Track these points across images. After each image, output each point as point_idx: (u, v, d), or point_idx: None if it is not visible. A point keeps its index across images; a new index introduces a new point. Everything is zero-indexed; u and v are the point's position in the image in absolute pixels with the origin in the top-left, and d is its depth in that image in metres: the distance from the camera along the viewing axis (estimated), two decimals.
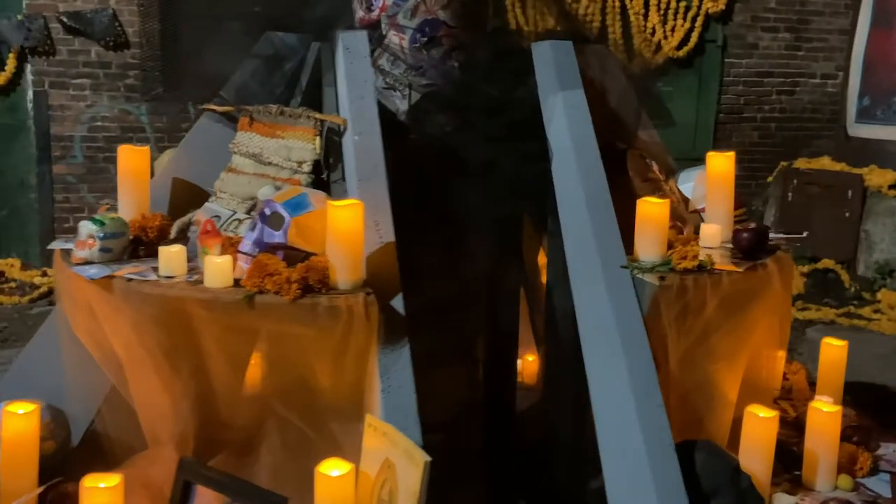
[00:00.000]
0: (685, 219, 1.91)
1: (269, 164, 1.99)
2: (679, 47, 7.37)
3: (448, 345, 2.08)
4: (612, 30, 7.17)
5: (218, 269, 1.69)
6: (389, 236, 1.57)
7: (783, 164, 7.55)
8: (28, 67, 6.25)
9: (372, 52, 1.99)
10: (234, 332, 1.67)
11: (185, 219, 2.09)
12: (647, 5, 7.18)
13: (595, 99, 1.98)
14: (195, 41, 6.33)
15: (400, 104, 1.98)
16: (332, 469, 1.53)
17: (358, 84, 1.73)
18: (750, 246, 1.81)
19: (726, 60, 7.59)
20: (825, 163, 7.29)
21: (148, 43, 6.42)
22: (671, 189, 1.95)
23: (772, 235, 1.97)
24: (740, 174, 7.65)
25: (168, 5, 6.43)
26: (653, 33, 7.28)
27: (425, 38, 1.95)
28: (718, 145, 7.71)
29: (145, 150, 2.26)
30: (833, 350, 2.19)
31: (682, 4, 7.26)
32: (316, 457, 1.58)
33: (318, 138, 1.84)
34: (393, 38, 1.96)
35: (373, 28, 2.01)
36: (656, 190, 1.88)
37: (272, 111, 1.99)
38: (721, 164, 1.92)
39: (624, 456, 1.55)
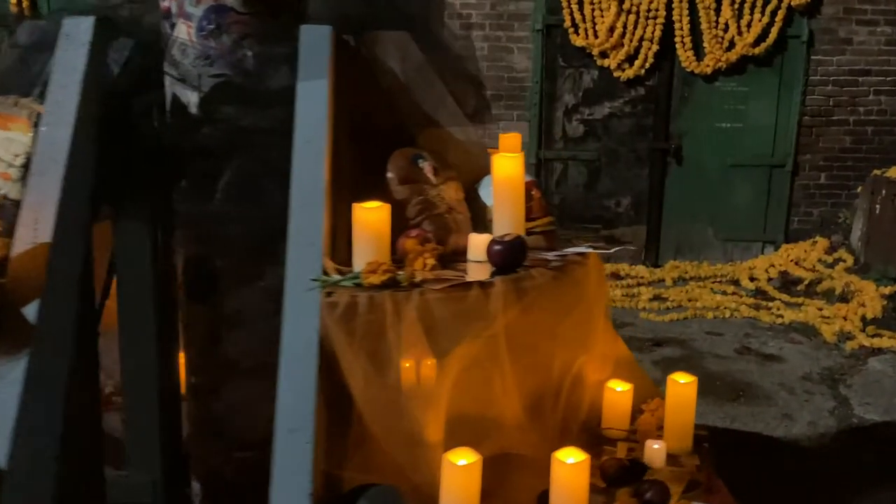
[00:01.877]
0: (453, 229, 1.65)
1: None
2: (756, 44, 6.78)
3: None
4: (678, 25, 6.69)
5: None
6: (45, 237, 1.45)
7: (876, 172, 6.77)
8: None
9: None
10: None
11: None
12: None
13: (394, 91, 1.78)
14: None
15: (191, 96, 1.86)
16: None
17: (66, 72, 1.62)
18: (502, 259, 1.54)
19: (812, 58, 6.90)
20: None
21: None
22: (450, 193, 1.70)
23: (569, 250, 1.68)
24: (827, 183, 7.03)
25: None
26: (725, 29, 6.73)
27: (212, 26, 1.82)
28: (802, 150, 7.05)
29: None
30: (679, 388, 1.86)
31: None
32: None
33: (34, 130, 1.74)
34: (181, 26, 1.85)
35: (167, 16, 1.90)
36: (417, 194, 1.64)
37: (8, 102, 1.91)
38: (507, 165, 1.66)
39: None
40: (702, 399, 4.38)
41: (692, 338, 5.47)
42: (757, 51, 6.78)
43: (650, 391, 2.04)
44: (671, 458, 1.81)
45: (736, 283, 6.71)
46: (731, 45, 6.78)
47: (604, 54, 6.75)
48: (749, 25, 6.76)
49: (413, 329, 1.35)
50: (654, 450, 1.80)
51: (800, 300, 6.20)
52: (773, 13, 6.74)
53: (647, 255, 7.18)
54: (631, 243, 7.14)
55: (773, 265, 6.89)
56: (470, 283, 1.41)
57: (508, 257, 1.53)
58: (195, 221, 1.90)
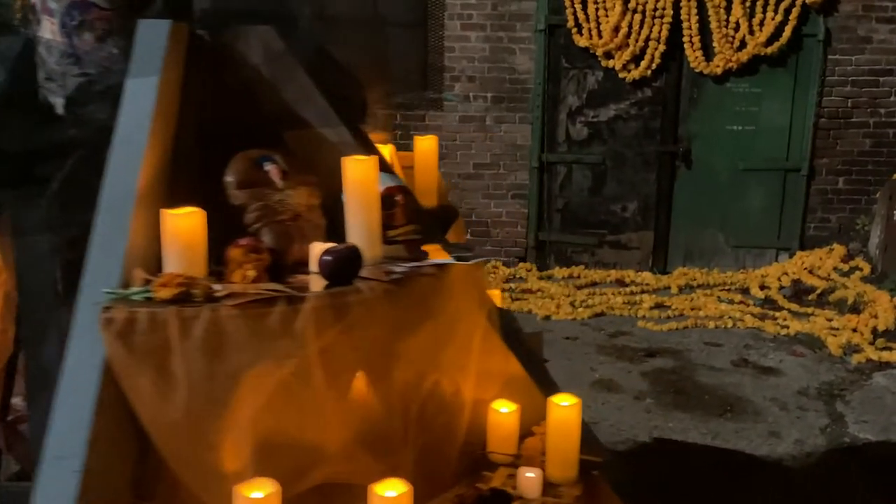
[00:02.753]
0: (296, 237, 1.53)
1: None
2: (769, 43, 6.52)
3: None
4: (686, 25, 6.47)
5: None
6: None
7: (894, 176, 6.47)
8: None
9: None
10: None
11: None
12: None
13: (256, 90, 1.68)
14: None
15: (57, 97, 1.78)
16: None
17: None
18: (330, 271, 1.41)
19: (830, 57, 6.61)
20: None
21: None
22: (298, 199, 1.57)
23: (433, 261, 1.53)
24: (846, 188, 6.73)
25: None
26: (736, 28, 6.49)
27: (75, 23, 1.74)
28: (819, 153, 6.76)
29: None
30: (560, 412, 1.70)
31: None
32: None
33: None
34: (45, 23, 1.77)
35: (32, 12, 1.82)
36: (256, 199, 1.52)
37: None
38: (358, 168, 1.53)
39: None
40: (687, 413, 4.22)
41: (689, 348, 5.26)
42: (770, 50, 6.52)
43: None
44: (551, 487, 1.67)
45: (745, 291, 6.46)
46: (743, 44, 6.53)
47: (608, 55, 6.56)
48: (761, 24, 6.50)
49: (201, 349, 1.23)
50: (528, 478, 1.65)
51: (810, 310, 5.93)
52: (787, 11, 6.47)
53: (655, 262, 6.96)
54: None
55: (786, 273, 6.61)
56: (274, 299, 1.29)
57: (336, 269, 1.41)
58: (68, 226, 1.82)
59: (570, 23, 6.50)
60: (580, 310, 5.93)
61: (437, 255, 1.66)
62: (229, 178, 1.54)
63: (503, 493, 1.59)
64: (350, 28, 6.51)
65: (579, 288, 6.50)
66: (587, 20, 6.50)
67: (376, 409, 1.45)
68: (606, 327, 5.66)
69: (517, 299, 6.18)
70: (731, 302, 6.15)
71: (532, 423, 1.84)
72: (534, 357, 2.30)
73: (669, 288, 6.49)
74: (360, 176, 1.52)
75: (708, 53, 6.56)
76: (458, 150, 6.82)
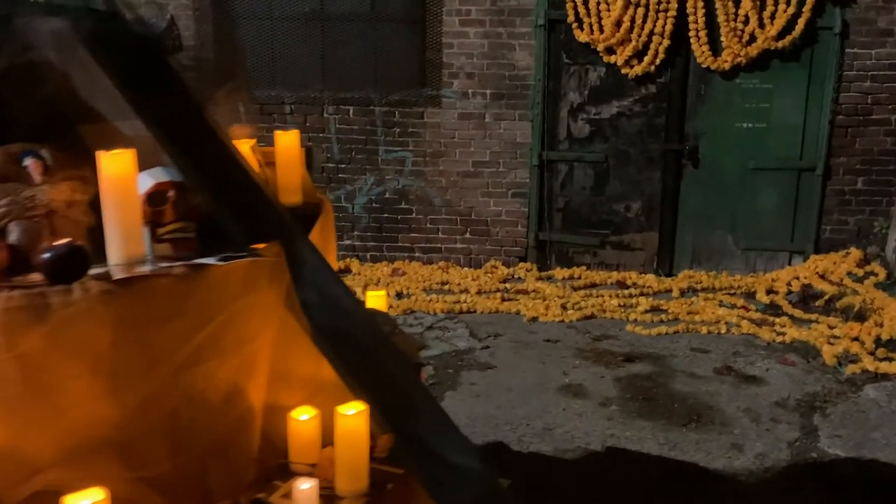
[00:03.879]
0: (46, 235, 1.49)
1: None
2: (780, 37, 6.24)
3: None
4: (692, 18, 6.24)
5: None
6: None
7: None
8: None
9: None
10: None
11: None
12: None
13: (48, 84, 1.65)
14: (245, 42, 6.53)
15: None
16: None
17: None
18: (48, 271, 1.36)
19: (847, 51, 6.28)
20: None
21: (202, 46, 6.71)
22: (58, 194, 1.54)
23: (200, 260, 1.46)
24: (865, 188, 6.38)
25: (219, 9, 6.69)
26: (745, 21, 6.22)
27: None
28: (836, 152, 6.43)
29: None
30: (346, 421, 1.61)
31: None
32: None
33: None
34: None
35: None
36: (5, 194, 1.49)
37: None
38: (113, 162, 1.47)
39: None
40: (650, 422, 4.06)
41: (673, 354, 5.07)
42: (781, 44, 6.23)
43: None
44: (336, 500, 1.60)
45: (751, 295, 6.19)
46: (752, 38, 6.26)
47: (610, 50, 6.38)
48: (773, 17, 6.22)
49: None
50: (300, 490, 1.58)
51: (813, 317, 5.65)
52: (801, 2, 6.18)
53: (661, 264, 6.74)
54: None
55: (797, 277, 6.32)
56: None
57: (54, 268, 1.37)
58: None
59: (571, 18, 6.35)
60: (570, 312, 5.78)
61: None
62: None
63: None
64: (348, 25, 6.51)
65: (576, 289, 6.34)
66: (588, 15, 6.33)
67: (114, 413, 1.40)
68: (593, 330, 5.50)
69: (508, 300, 6.07)
70: (732, 307, 5.91)
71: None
72: (402, 362, 2.22)
73: (671, 291, 6.28)
74: (115, 170, 1.48)
75: (715, 48, 6.31)
76: (457, 148, 6.74)
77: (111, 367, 1.40)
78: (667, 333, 5.42)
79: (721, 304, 5.97)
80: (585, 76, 6.53)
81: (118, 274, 1.41)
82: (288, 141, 2.17)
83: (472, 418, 4.06)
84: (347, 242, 6.90)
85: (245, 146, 2.20)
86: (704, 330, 5.46)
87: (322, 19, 6.65)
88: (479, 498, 2.22)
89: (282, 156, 2.17)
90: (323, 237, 2.42)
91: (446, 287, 6.36)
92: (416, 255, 6.90)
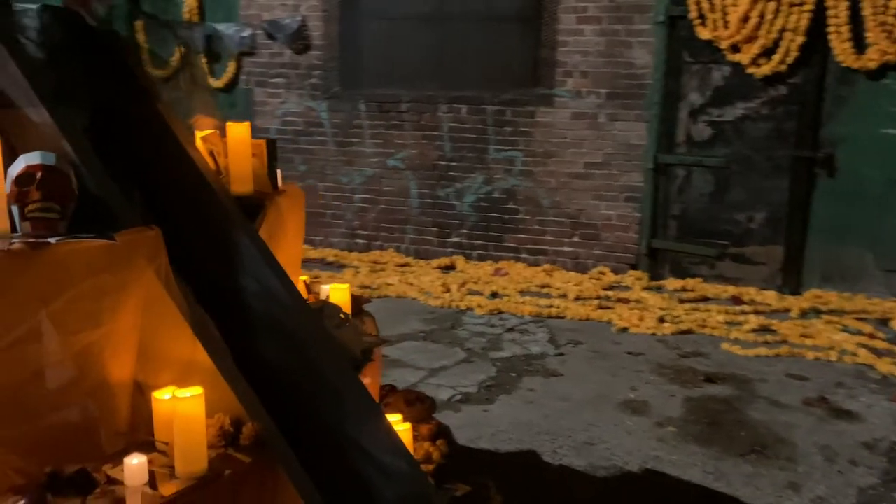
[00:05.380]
0: None
1: None
2: None
3: None
4: (833, 13, 5.65)
5: None
6: None
7: None
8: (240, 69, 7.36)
9: None
10: None
11: None
12: None
13: None
14: (370, 42, 6.78)
15: None
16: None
17: None
18: None
19: None
20: None
21: (329, 45, 7.04)
22: None
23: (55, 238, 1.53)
24: None
25: (347, 10, 6.97)
26: None
27: None
28: None
29: None
30: (183, 405, 1.59)
31: None
32: None
33: None
34: None
35: None
36: None
37: None
38: None
39: None
40: (703, 448, 3.76)
41: (763, 378, 4.66)
42: None
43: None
44: (172, 480, 1.63)
45: (884, 322, 5.53)
46: None
47: (735, 48, 5.93)
48: None
49: None
50: (131, 465, 1.62)
51: None
52: None
53: (787, 281, 6.17)
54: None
55: None
56: None
57: None
58: None
59: (693, 13, 5.98)
60: (666, 325, 5.46)
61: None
62: None
63: (88, 476, 1.59)
64: (463, 24, 6.54)
65: (683, 302, 5.97)
66: (712, 10, 5.93)
67: None
68: (684, 346, 5.17)
69: (604, 307, 5.83)
70: (856, 332, 5.31)
71: (214, 412, 1.81)
72: (337, 357, 2.23)
73: (790, 311, 5.74)
74: None
75: (859, 45, 5.67)
76: (569, 149, 6.57)
77: None
78: (766, 356, 4.98)
79: (842, 330, 5.37)
80: (708, 75, 6.12)
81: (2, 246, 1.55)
82: (239, 132, 2.24)
83: (513, 424, 3.96)
84: (455, 240, 6.95)
85: (199, 136, 2.30)
86: (811, 355, 4.95)
87: (440, 18, 6.74)
88: (405, 498, 2.17)
89: (232, 146, 2.24)
90: (289, 226, 2.48)
91: (544, 290, 6.23)
92: (522, 256, 6.81)
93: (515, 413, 4.11)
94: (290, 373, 2.20)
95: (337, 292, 2.51)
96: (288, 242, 2.48)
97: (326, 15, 6.99)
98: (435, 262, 6.85)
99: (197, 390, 1.69)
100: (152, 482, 1.64)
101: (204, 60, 7.39)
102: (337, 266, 6.88)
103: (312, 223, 7.31)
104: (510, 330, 5.41)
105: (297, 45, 7.04)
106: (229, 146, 2.30)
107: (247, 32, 7.16)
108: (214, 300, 2.25)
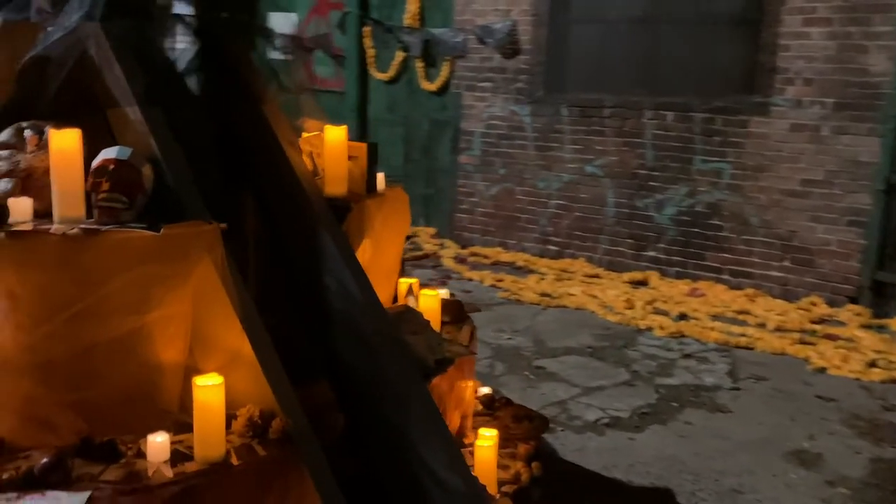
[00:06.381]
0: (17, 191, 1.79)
1: None
2: None
3: None
4: None
5: None
6: None
7: None
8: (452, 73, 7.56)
9: None
10: None
11: None
12: None
13: (93, 75, 2.01)
14: (576, 46, 6.68)
15: None
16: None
17: None
18: None
19: None
20: None
21: (536, 50, 7.00)
22: (38, 162, 1.82)
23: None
24: None
25: (557, 13, 6.89)
26: None
27: None
28: None
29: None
30: (203, 392, 1.59)
31: None
32: None
33: None
34: None
35: None
36: (3, 158, 1.83)
37: None
38: (61, 138, 1.74)
39: None
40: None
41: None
42: None
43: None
44: (189, 462, 1.70)
45: None
46: None
47: None
48: None
49: None
50: (153, 443, 1.70)
51: None
52: None
53: None
54: None
55: None
56: None
57: None
58: None
59: None
60: (875, 370, 4.77)
61: None
62: None
63: (114, 447, 1.71)
64: (674, 27, 6.18)
65: None
66: None
67: (29, 340, 1.75)
68: (891, 398, 4.48)
69: (804, 343, 5.22)
70: None
71: (241, 404, 1.88)
72: (407, 363, 2.22)
73: None
74: (63, 146, 1.81)
75: None
76: (784, 163, 5.96)
77: (21, 304, 1.75)
78: None
79: None
80: None
81: (59, 230, 1.76)
82: (336, 136, 2.30)
83: (657, 457, 3.69)
84: (650, 254, 6.60)
85: (304, 137, 2.39)
86: None
87: (651, 21, 6.42)
88: None
89: (330, 149, 2.31)
90: (379, 228, 2.51)
91: (741, 317, 5.71)
92: (724, 277, 6.29)
93: (663, 445, 3.82)
94: (359, 372, 2.23)
95: (427, 299, 2.48)
96: (379, 244, 2.50)
97: (536, 19, 6.96)
98: (626, 276, 6.55)
99: (217, 379, 1.76)
100: (174, 461, 1.74)
101: (421, 64, 7.69)
102: (525, 271, 6.83)
103: (507, 227, 7.33)
104: (687, 356, 5.03)
105: (506, 49, 7.08)
106: (325, 148, 2.36)
107: (460, 37, 7.34)
108: (298, 295, 2.34)
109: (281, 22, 8.56)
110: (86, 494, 1.57)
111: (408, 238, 7.79)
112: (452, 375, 2.43)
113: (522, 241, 7.25)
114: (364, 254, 2.36)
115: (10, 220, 1.81)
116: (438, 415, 2.20)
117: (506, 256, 7.13)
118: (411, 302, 2.54)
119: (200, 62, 2.32)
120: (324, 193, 2.34)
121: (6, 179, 1.91)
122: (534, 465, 2.70)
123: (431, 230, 7.89)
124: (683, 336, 5.36)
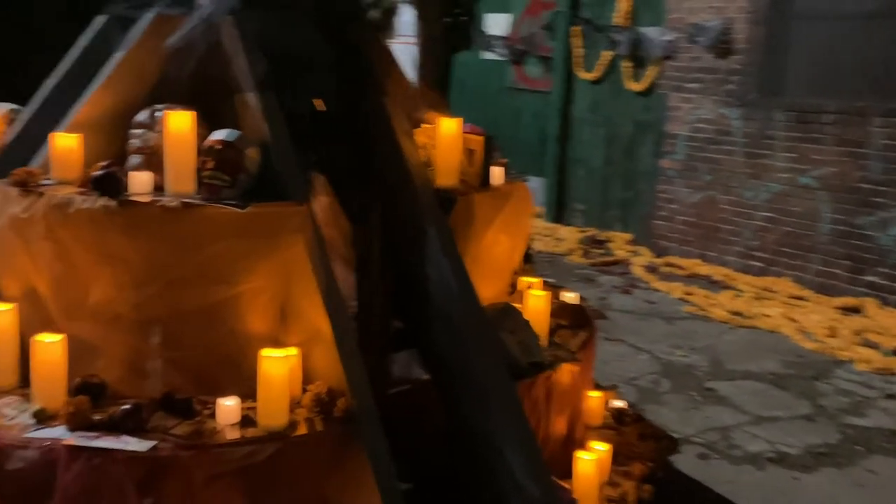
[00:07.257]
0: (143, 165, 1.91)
1: None
2: None
3: None
4: None
5: None
6: None
7: None
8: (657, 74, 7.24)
9: None
10: None
11: None
12: None
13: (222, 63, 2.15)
14: (798, 46, 6.14)
15: None
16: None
17: None
18: (92, 183, 1.84)
19: None
20: None
21: (752, 50, 6.50)
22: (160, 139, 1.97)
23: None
24: None
25: (778, 11, 6.35)
26: None
27: None
28: None
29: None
30: (269, 363, 1.60)
31: None
32: None
33: None
34: None
35: None
36: (134, 136, 1.97)
37: None
38: (176, 119, 1.83)
39: None
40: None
41: None
42: None
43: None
44: (252, 427, 1.77)
45: None
46: None
47: None
48: None
49: None
50: (223, 406, 1.76)
51: None
52: None
53: None
54: None
55: None
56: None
57: (97, 183, 1.91)
58: None
59: None
60: None
61: None
62: (133, 120, 2.19)
63: (190, 406, 1.83)
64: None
65: None
66: None
67: (131, 297, 1.94)
68: None
69: None
70: None
71: (318, 380, 1.94)
72: (496, 361, 2.19)
73: None
74: (177, 126, 1.97)
75: None
76: None
77: (131, 266, 1.94)
78: None
79: None
80: None
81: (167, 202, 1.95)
82: (449, 128, 2.30)
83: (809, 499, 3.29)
84: (869, 279, 5.86)
85: (422, 129, 2.42)
86: None
87: (885, 17, 5.70)
88: None
89: (441, 140, 2.32)
90: (486, 222, 2.47)
91: None
92: None
93: (832, 492, 3.39)
94: (447, 362, 2.22)
95: (534, 299, 2.40)
96: (486, 238, 2.46)
97: (754, 17, 6.44)
98: (838, 301, 5.87)
99: (283, 352, 1.84)
100: (243, 425, 1.84)
101: (628, 64, 7.45)
102: (720, 286, 6.36)
103: (708, 237, 6.88)
104: (890, 397, 4.42)
105: (719, 48, 6.64)
106: (438, 140, 2.36)
107: (670, 37, 7.00)
108: (402, 281, 2.37)
109: (496, 22, 8.75)
110: (151, 443, 1.72)
111: (600, 243, 7.61)
112: (554, 380, 2.33)
113: (723, 255, 6.76)
114: (469, 246, 2.33)
115: (131, 191, 2.02)
116: (523, 417, 2.12)
117: (703, 269, 6.69)
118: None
119: (333, 54, 2.41)
120: (434, 184, 2.35)
121: (136, 155, 2.13)
122: (645, 486, 2.52)
123: (627, 236, 7.62)
124: (893, 374, 4.71)
